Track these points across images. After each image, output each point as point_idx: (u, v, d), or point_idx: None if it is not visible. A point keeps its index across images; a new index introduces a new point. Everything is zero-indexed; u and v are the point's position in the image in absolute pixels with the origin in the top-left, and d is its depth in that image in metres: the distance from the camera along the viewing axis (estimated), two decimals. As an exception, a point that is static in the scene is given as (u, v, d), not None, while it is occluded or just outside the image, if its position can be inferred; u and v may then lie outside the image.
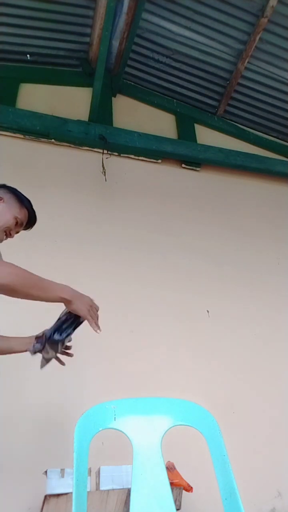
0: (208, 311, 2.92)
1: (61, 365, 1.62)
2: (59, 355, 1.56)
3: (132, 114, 3.75)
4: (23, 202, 1.70)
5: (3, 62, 3.48)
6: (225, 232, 3.40)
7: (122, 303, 2.73)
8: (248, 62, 3.59)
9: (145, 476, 1.26)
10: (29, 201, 1.73)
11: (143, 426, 1.36)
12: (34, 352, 1.46)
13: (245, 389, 2.70)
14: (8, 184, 1.75)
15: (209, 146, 3.73)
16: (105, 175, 3.16)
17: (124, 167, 3.40)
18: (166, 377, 2.52)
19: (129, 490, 1.58)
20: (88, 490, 1.36)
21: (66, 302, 1.44)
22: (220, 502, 1.20)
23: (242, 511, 1.14)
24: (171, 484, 1.36)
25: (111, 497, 1.61)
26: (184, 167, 3.64)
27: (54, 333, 1.46)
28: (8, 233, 1.67)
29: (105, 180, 3.17)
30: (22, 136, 3.19)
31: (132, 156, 3.47)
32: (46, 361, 1.49)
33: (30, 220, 1.72)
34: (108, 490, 1.63)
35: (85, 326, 1.47)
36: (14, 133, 3.16)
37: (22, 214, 1.68)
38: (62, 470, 1.69)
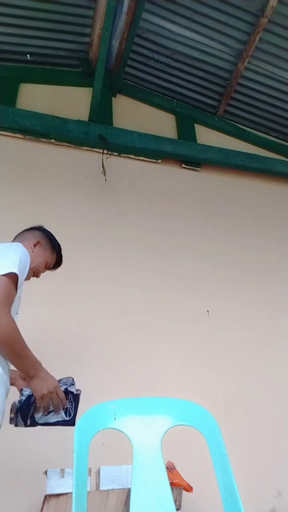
0: (208, 311, 2.92)
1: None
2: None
3: (132, 114, 3.75)
4: (55, 247, 1.84)
5: (3, 62, 3.48)
6: (225, 232, 3.40)
7: (122, 303, 2.73)
8: (248, 62, 3.59)
9: (145, 476, 1.26)
10: (59, 246, 1.88)
11: (143, 426, 1.36)
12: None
13: (245, 389, 2.70)
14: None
15: (209, 146, 3.73)
16: (105, 175, 3.16)
17: (124, 167, 3.40)
18: (166, 377, 2.51)
19: (129, 490, 1.58)
20: (88, 490, 1.36)
21: (29, 377, 1.43)
22: (220, 502, 1.20)
23: (242, 511, 1.14)
24: (171, 484, 1.36)
25: (111, 497, 1.61)
26: (184, 167, 3.64)
27: (21, 413, 1.42)
28: (36, 274, 1.79)
29: (105, 180, 3.17)
30: (22, 136, 3.18)
31: (132, 156, 3.47)
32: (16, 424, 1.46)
33: (56, 264, 1.88)
34: (108, 490, 1.63)
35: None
36: (14, 133, 3.16)
37: (52, 259, 1.84)
38: (62, 470, 1.68)
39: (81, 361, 2.43)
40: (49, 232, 1.87)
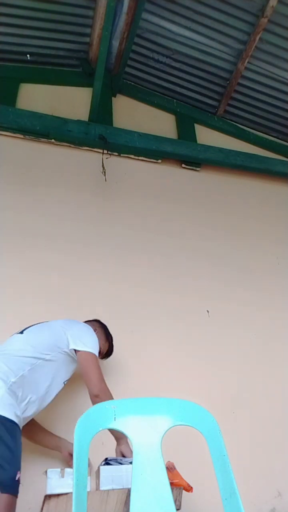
0: (208, 311, 2.92)
1: None
2: None
3: (132, 114, 3.75)
4: (108, 337, 2.18)
5: (3, 62, 3.48)
6: (225, 232, 3.40)
7: (122, 303, 2.73)
8: (248, 62, 3.59)
9: (145, 476, 1.26)
10: (112, 337, 2.20)
11: (143, 426, 1.36)
12: None
13: (245, 389, 2.70)
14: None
15: (209, 146, 3.73)
16: (105, 175, 3.16)
17: (124, 167, 3.40)
18: (166, 377, 2.51)
19: (129, 490, 1.57)
20: (88, 490, 1.36)
21: (118, 441, 1.89)
22: (220, 502, 1.20)
23: (242, 511, 1.14)
24: (171, 484, 1.36)
25: (111, 497, 1.60)
26: (184, 167, 3.64)
27: None
28: None
29: (105, 180, 3.17)
30: (22, 136, 3.18)
31: (132, 156, 3.47)
32: None
33: (108, 352, 2.19)
34: (108, 490, 1.62)
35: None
36: (14, 133, 3.15)
37: (105, 346, 2.15)
38: (62, 470, 1.68)
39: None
40: (103, 323, 2.22)
